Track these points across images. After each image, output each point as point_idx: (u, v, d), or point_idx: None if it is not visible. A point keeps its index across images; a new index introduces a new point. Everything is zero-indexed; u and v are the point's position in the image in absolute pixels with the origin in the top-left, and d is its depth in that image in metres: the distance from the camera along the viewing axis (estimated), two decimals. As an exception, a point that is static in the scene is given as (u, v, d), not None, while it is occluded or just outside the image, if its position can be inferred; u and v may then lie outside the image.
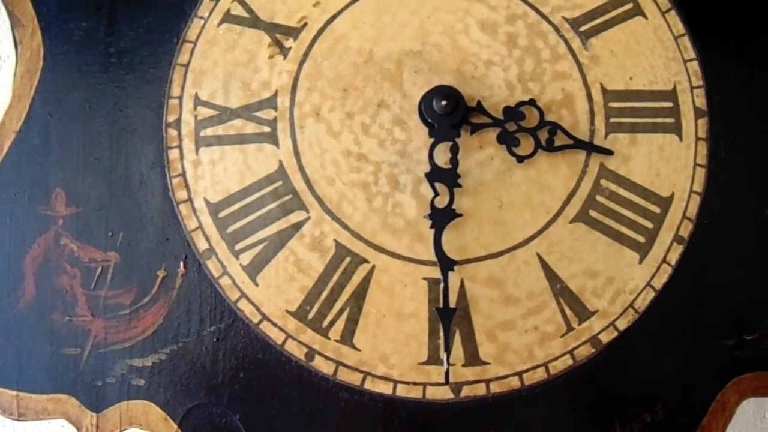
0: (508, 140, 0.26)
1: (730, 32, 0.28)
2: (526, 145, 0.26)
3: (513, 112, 0.26)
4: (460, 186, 0.25)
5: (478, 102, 0.26)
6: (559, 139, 0.26)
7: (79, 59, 0.28)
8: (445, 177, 0.25)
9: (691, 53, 0.28)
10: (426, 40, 0.27)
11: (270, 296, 0.26)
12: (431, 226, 0.25)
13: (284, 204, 0.26)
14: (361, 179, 0.26)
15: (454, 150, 0.25)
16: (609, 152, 0.26)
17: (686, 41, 0.28)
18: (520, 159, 0.26)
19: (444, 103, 0.25)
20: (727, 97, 0.28)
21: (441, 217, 0.25)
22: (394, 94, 0.27)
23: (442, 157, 0.26)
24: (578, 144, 0.26)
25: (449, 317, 0.25)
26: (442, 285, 0.25)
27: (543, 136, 0.26)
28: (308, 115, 0.27)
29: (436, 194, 0.25)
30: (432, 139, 0.26)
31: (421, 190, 0.26)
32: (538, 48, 0.27)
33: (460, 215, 0.25)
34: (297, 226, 0.26)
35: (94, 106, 0.28)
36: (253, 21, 0.27)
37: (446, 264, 0.25)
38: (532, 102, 0.26)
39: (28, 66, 0.29)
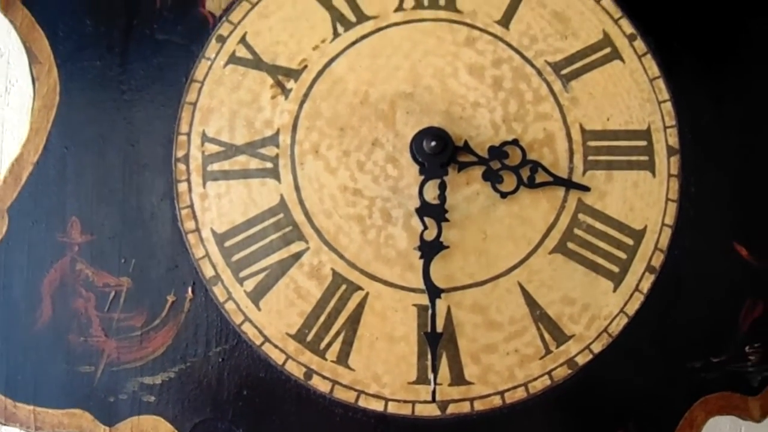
0: (492, 177, 0.29)
1: (703, 75, 0.31)
2: (509, 182, 0.29)
3: (497, 152, 0.29)
4: (447, 220, 0.28)
5: (465, 142, 0.29)
6: (540, 177, 0.29)
7: (94, 96, 0.31)
8: (433, 212, 0.28)
9: (665, 95, 0.31)
10: (418, 83, 0.30)
11: (271, 320, 0.29)
12: (420, 257, 0.28)
13: (285, 235, 0.29)
14: (357, 213, 0.29)
15: (442, 187, 0.28)
16: (586, 188, 0.29)
17: (661, 83, 0.31)
18: (504, 195, 0.29)
19: (433, 143, 0.28)
20: (698, 136, 0.31)
21: (429, 249, 0.28)
22: (388, 133, 0.30)
23: (431, 193, 0.29)
24: (558, 181, 0.29)
25: (436, 341, 0.28)
26: (429, 311, 0.28)
27: (525, 173, 0.29)
28: (308, 152, 0.29)
29: (425, 228, 0.28)
30: (422, 177, 0.28)
31: (411, 223, 0.29)
32: (522, 90, 0.30)
33: (447, 247, 0.28)
34: (297, 256, 0.29)
35: (108, 141, 0.31)
36: (257, 63, 0.30)
37: (434, 292, 0.28)
38: (515, 142, 0.29)
39: (45, 101, 0.31)
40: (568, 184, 0.29)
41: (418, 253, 0.29)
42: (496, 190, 0.29)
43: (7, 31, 0.36)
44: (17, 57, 0.36)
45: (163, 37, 0.31)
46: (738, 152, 0.31)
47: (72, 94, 0.31)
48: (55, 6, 0.32)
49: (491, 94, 0.30)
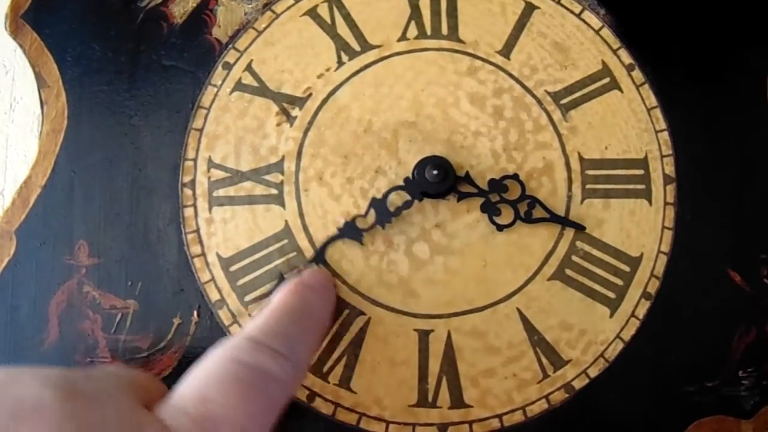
0: (490, 210, 0.31)
1: (699, 105, 0.34)
2: (506, 215, 0.31)
3: (497, 185, 0.31)
4: (384, 226, 0.31)
5: (467, 173, 0.31)
6: (537, 212, 0.31)
7: (102, 120, 0.33)
8: (383, 215, 0.31)
9: (663, 124, 0.33)
10: (420, 112, 0.32)
11: (275, 343, 0.31)
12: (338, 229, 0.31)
13: (289, 260, 0.31)
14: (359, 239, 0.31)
15: (406, 206, 0.31)
16: (581, 227, 0.31)
17: (658, 113, 0.33)
18: (500, 228, 0.31)
19: (435, 172, 0.30)
20: (694, 165, 0.33)
21: (349, 230, 0.31)
22: (391, 161, 0.32)
23: (432, 219, 0.31)
24: (554, 218, 0.31)
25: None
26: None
27: (522, 208, 0.31)
28: (312, 179, 0.31)
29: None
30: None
31: (413, 250, 0.31)
32: (522, 119, 0.32)
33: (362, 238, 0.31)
34: (301, 281, 0.31)
35: (115, 165, 0.33)
36: (263, 90, 0.32)
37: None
38: (515, 176, 0.31)
39: (54, 125, 0.33)
40: (565, 222, 0.31)
41: (420, 279, 0.31)
42: (493, 222, 0.31)
43: (12, 48, 0.38)
44: (22, 74, 0.38)
45: (170, 63, 0.33)
46: (732, 180, 0.33)
47: (80, 119, 0.34)
48: (64, 30, 0.34)
49: (492, 123, 0.32)
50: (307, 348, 0.28)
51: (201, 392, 0.22)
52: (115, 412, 0.20)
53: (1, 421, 0.18)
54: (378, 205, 0.31)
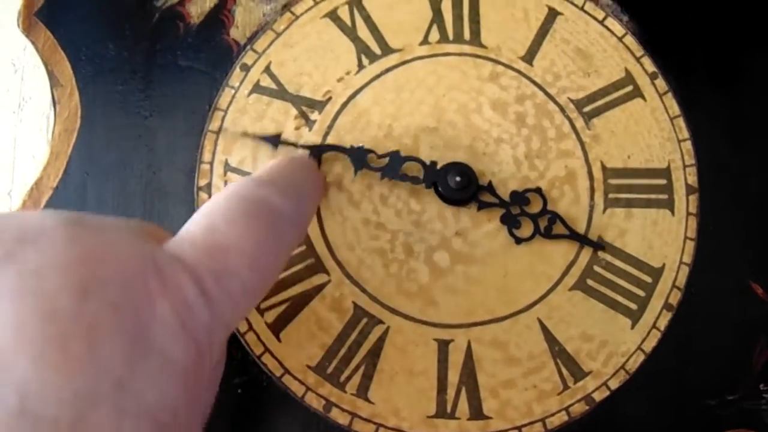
0: (510, 222, 0.31)
1: (723, 114, 0.34)
2: (526, 229, 0.31)
3: (519, 197, 0.31)
4: None
5: (489, 182, 0.31)
6: (557, 228, 0.31)
7: (116, 121, 0.33)
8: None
9: (685, 133, 0.33)
10: (441, 118, 0.32)
11: (292, 352, 0.31)
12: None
13: (307, 267, 0.31)
14: (379, 246, 0.31)
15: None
16: (601, 247, 0.31)
17: (681, 122, 0.33)
18: (519, 241, 0.31)
19: (458, 179, 0.30)
20: (717, 175, 0.33)
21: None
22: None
23: (453, 227, 0.31)
24: (573, 235, 0.31)
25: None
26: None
27: (543, 222, 0.31)
28: (331, 185, 0.31)
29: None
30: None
31: (433, 258, 0.31)
32: (545, 127, 0.32)
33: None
34: (318, 288, 0.31)
35: (129, 167, 0.32)
36: (281, 93, 0.32)
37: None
38: (538, 190, 0.31)
39: (66, 125, 0.33)
40: (584, 241, 0.31)
41: (440, 288, 0.31)
42: (512, 234, 0.31)
43: (22, 47, 0.38)
44: (31, 73, 0.38)
45: (187, 63, 0.33)
46: (756, 191, 0.33)
47: (93, 119, 0.33)
48: (78, 29, 0.34)
49: (514, 131, 0.32)
50: (310, 199, 0.28)
51: (209, 224, 0.22)
52: (122, 241, 0.20)
53: (7, 245, 0.18)
54: (395, 159, 0.31)
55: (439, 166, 0.31)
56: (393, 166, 0.31)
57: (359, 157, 0.31)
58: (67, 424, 0.16)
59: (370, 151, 0.31)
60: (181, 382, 0.19)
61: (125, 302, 0.18)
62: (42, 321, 0.17)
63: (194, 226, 0.22)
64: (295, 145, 0.31)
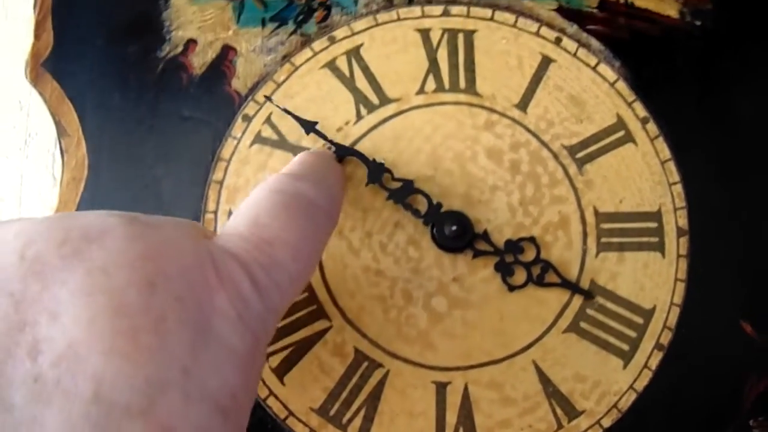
0: (504, 270, 0.32)
1: (713, 156, 0.35)
2: (519, 276, 0.32)
3: (513, 246, 0.32)
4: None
5: (485, 231, 0.32)
6: (550, 276, 0.32)
7: (122, 170, 0.34)
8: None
9: (676, 177, 0.34)
10: (438, 166, 0.33)
11: (296, 395, 0.32)
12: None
13: (310, 313, 0.33)
14: (379, 293, 0.33)
15: None
16: (591, 296, 0.32)
17: (672, 165, 0.34)
18: (512, 288, 0.32)
19: (454, 228, 0.32)
20: (707, 217, 0.34)
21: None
22: (409, 215, 0.33)
23: (450, 273, 0.32)
24: (565, 284, 0.32)
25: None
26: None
27: (536, 271, 0.32)
28: (332, 233, 0.32)
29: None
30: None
31: (431, 304, 0.33)
32: (539, 174, 0.33)
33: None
34: (321, 334, 0.32)
35: (136, 216, 0.34)
36: (282, 143, 0.34)
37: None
38: (532, 239, 0.33)
39: (74, 174, 0.35)
40: (575, 289, 0.33)
41: (438, 332, 0.32)
42: (505, 282, 0.32)
43: (29, 87, 0.39)
44: (37, 110, 0.39)
45: (190, 114, 0.34)
46: (745, 232, 0.34)
47: (100, 168, 0.35)
48: (84, 79, 0.35)
49: (509, 178, 0.34)
50: (338, 190, 0.30)
51: (252, 218, 0.24)
52: (179, 237, 0.22)
53: (75, 244, 0.19)
54: (407, 186, 0.33)
55: (443, 209, 0.33)
56: (402, 192, 0.33)
57: (376, 172, 0.33)
58: (138, 410, 0.17)
59: (388, 170, 0.33)
60: (239, 368, 0.20)
61: (188, 295, 0.20)
62: (112, 315, 0.18)
63: (239, 221, 0.24)
64: (325, 137, 0.33)
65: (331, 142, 0.33)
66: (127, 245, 0.20)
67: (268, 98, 0.34)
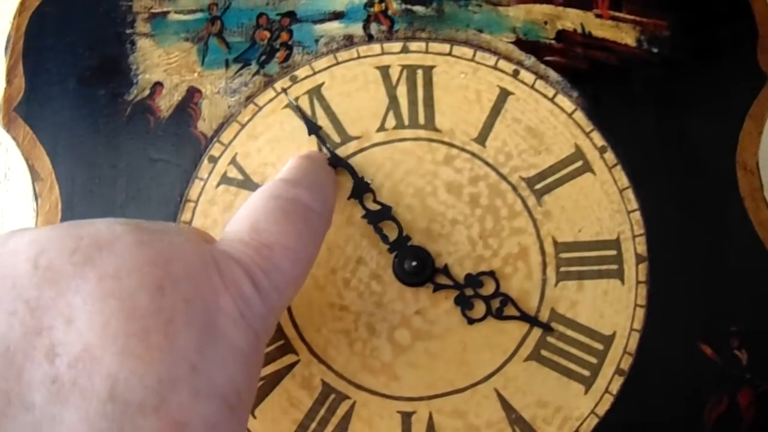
0: (463, 303, 0.34)
1: (671, 183, 0.36)
2: (478, 310, 0.34)
3: (473, 280, 0.34)
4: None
5: (445, 265, 0.33)
6: (509, 310, 0.34)
7: (95, 213, 0.36)
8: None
9: (634, 204, 0.35)
10: (399, 202, 0.35)
11: (267, 427, 0.34)
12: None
13: (278, 348, 0.34)
14: (344, 327, 0.34)
15: None
16: (549, 329, 0.34)
17: (630, 193, 0.35)
18: (471, 321, 0.33)
19: (414, 263, 0.33)
20: (665, 243, 0.36)
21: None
22: (371, 251, 0.34)
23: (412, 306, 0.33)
24: (524, 317, 0.34)
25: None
26: None
27: (495, 304, 0.34)
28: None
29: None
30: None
31: (395, 336, 0.34)
32: (498, 206, 0.35)
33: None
34: (289, 367, 0.34)
35: (109, 257, 0.35)
36: (247, 183, 0.35)
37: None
38: (491, 274, 0.34)
39: (48, 218, 0.36)
40: (533, 322, 0.34)
41: (402, 363, 0.34)
42: (465, 315, 0.34)
43: (5, 121, 0.40)
44: (15, 145, 0.40)
45: (158, 156, 0.36)
46: (703, 257, 0.35)
47: (74, 212, 0.36)
48: (56, 123, 0.37)
49: (468, 211, 0.35)
50: (332, 194, 0.32)
51: (252, 224, 0.26)
52: (183, 242, 0.23)
53: (85, 251, 0.20)
54: (385, 210, 0.34)
55: (410, 243, 0.34)
56: (378, 216, 0.34)
57: (360, 189, 0.35)
58: (151, 406, 0.19)
59: (372, 191, 0.35)
60: (243, 365, 0.22)
61: (195, 297, 0.21)
62: (124, 318, 0.19)
63: (240, 226, 0.26)
64: (325, 144, 0.35)
65: (328, 149, 0.35)
66: (136, 251, 0.21)
67: (284, 91, 0.36)
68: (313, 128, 0.35)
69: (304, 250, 0.26)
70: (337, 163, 0.35)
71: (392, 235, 0.34)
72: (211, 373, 0.20)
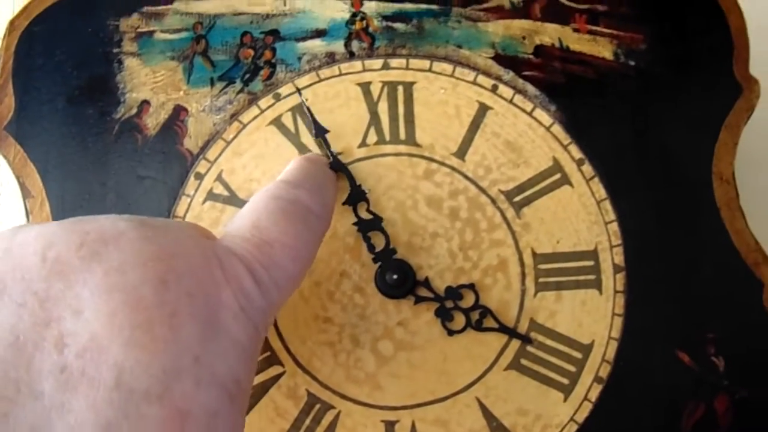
0: (443, 315, 0.35)
1: (649, 194, 0.37)
2: (458, 321, 0.35)
3: (453, 292, 0.35)
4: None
5: (426, 278, 0.35)
6: (488, 322, 0.35)
7: (84, 229, 0.37)
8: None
9: (612, 215, 0.36)
10: (381, 215, 0.36)
11: (254, 437, 0.35)
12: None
13: (264, 359, 0.35)
14: (328, 339, 0.35)
15: None
16: (529, 341, 0.35)
17: (607, 205, 0.36)
18: (451, 333, 0.35)
19: (395, 277, 0.34)
20: (642, 253, 0.37)
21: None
22: (354, 264, 0.35)
23: (395, 318, 0.35)
24: (503, 329, 0.35)
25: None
26: None
27: (474, 316, 0.35)
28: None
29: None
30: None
31: (378, 347, 0.35)
32: (477, 219, 0.36)
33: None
34: (275, 378, 0.35)
35: (99, 272, 0.36)
36: (233, 199, 0.36)
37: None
38: (471, 286, 0.35)
39: (40, 234, 0.37)
40: (512, 334, 0.35)
41: (385, 373, 0.35)
42: (445, 327, 0.35)
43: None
44: (6, 163, 0.42)
45: (146, 173, 0.37)
46: (680, 266, 0.37)
47: (64, 228, 0.37)
48: (46, 142, 0.38)
49: (448, 224, 0.36)
50: (331, 195, 0.33)
51: (253, 221, 0.27)
52: (186, 238, 0.24)
53: (93, 246, 0.21)
54: (376, 221, 0.36)
55: (395, 256, 0.35)
56: (368, 225, 0.36)
57: (355, 197, 0.36)
58: (156, 395, 0.19)
59: (367, 201, 0.36)
60: (243, 356, 0.23)
61: (198, 291, 0.22)
62: (130, 311, 0.20)
63: (241, 224, 0.27)
64: (328, 148, 0.36)
65: (331, 153, 0.36)
66: (141, 246, 0.22)
67: (298, 90, 0.37)
68: (321, 130, 0.36)
69: (304, 248, 0.27)
70: (338, 168, 0.36)
71: (379, 246, 0.36)
72: (213, 363, 0.21)
